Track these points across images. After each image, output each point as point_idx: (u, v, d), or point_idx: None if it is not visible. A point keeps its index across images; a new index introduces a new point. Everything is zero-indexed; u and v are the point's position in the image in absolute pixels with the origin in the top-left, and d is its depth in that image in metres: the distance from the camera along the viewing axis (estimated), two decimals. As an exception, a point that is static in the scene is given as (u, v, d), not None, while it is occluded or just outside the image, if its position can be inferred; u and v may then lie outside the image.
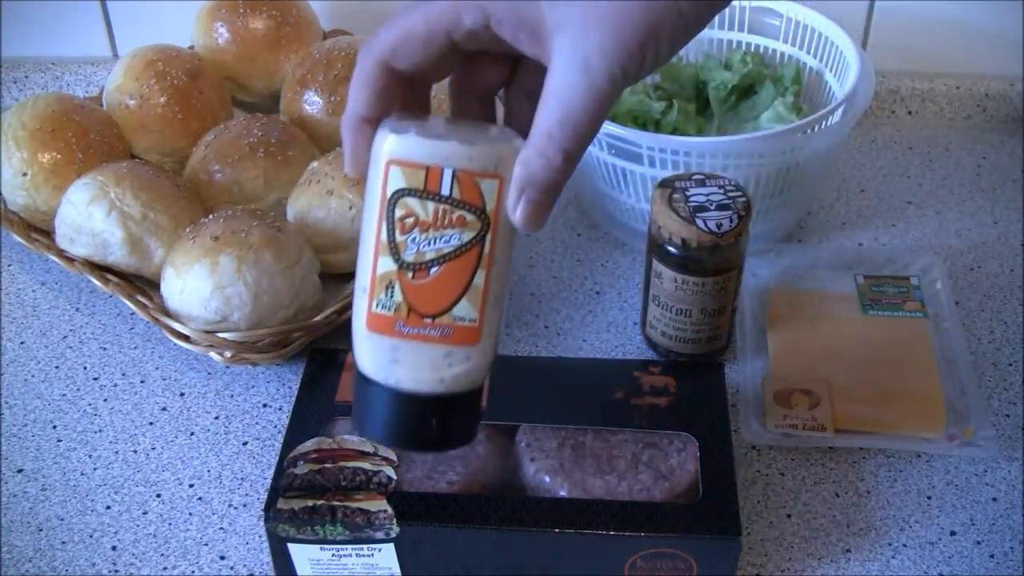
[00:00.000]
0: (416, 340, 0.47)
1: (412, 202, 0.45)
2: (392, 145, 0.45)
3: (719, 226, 0.66)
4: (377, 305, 0.46)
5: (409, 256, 0.46)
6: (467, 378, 0.48)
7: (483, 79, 0.50)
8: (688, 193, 0.68)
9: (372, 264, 0.46)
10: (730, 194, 0.68)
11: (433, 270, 0.46)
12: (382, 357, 0.47)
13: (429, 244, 0.46)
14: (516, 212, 0.45)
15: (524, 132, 0.45)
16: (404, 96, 0.48)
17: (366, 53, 0.46)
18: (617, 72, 0.42)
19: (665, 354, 0.74)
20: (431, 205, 0.45)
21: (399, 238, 0.46)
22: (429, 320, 0.46)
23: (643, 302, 0.74)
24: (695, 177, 0.69)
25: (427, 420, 0.48)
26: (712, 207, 0.67)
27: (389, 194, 0.45)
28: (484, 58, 0.48)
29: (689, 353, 0.72)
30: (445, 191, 0.45)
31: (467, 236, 0.46)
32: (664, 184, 0.69)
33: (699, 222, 0.66)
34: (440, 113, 0.51)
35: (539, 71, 0.45)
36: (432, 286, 0.46)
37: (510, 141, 0.46)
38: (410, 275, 0.46)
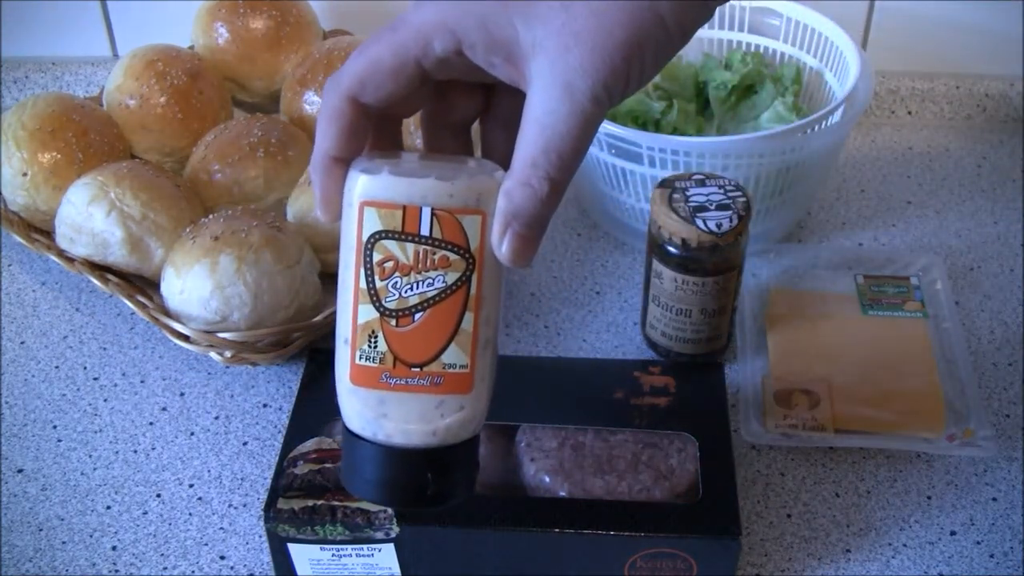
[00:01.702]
0: (404, 391, 0.44)
1: (390, 245, 0.43)
2: (365, 186, 0.43)
3: (719, 226, 0.66)
4: (361, 357, 0.44)
5: (391, 303, 0.43)
6: (461, 428, 0.45)
7: (456, 111, 0.47)
8: (688, 193, 0.68)
9: (352, 313, 0.44)
10: (730, 194, 0.68)
11: (418, 316, 0.43)
12: (369, 412, 0.45)
13: (411, 289, 0.43)
14: (502, 247, 0.42)
15: (503, 164, 0.43)
16: (375, 132, 0.45)
17: (333, 88, 0.43)
18: (601, 91, 0.40)
19: (665, 354, 0.74)
20: (411, 247, 0.43)
21: (379, 284, 0.43)
22: (417, 369, 0.44)
23: (643, 302, 0.74)
24: (695, 177, 0.69)
25: (421, 475, 0.45)
26: (712, 207, 0.67)
27: (365, 238, 0.43)
28: (457, 88, 0.46)
29: (689, 353, 0.72)
30: (425, 231, 0.42)
31: (452, 277, 0.43)
32: (664, 184, 0.69)
33: (699, 222, 0.66)
34: (413, 150, 0.49)
35: (516, 97, 0.42)
36: (418, 333, 0.43)
37: (491, 174, 0.43)
38: (393, 323, 0.43)
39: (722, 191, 0.68)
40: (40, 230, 0.82)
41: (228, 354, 0.72)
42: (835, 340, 0.74)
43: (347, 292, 0.44)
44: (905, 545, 0.63)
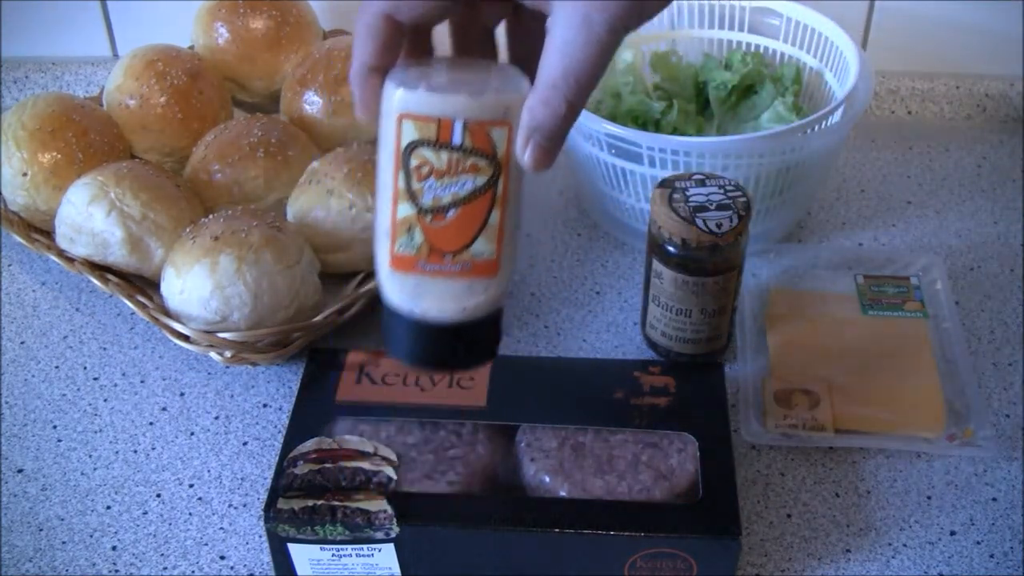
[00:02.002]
0: (438, 276, 0.50)
1: (427, 152, 0.48)
2: (403, 100, 0.47)
3: (719, 226, 0.66)
4: (399, 247, 0.49)
5: (427, 202, 0.48)
6: (487, 306, 0.51)
7: (484, 19, 0.51)
8: (688, 193, 0.68)
9: (391, 209, 0.49)
10: (730, 194, 0.68)
11: (450, 213, 0.49)
12: (407, 292, 0.50)
13: (445, 190, 0.48)
14: (525, 157, 0.47)
15: (525, 68, 0.49)
16: (408, 41, 0.49)
17: (368, 7, 0.47)
18: (617, 24, 0.45)
19: (665, 354, 0.74)
20: (445, 155, 0.48)
21: (416, 185, 0.48)
22: (449, 257, 0.50)
23: (643, 302, 0.74)
24: (695, 177, 0.69)
25: (453, 344, 0.52)
26: (712, 207, 0.67)
27: (403, 146, 0.48)
28: (481, 3, 0.50)
29: (689, 353, 0.72)
30: (457, 141, 0.47)
31: (480, 180, 0.48)
32: (664, 184, 0.69)
33: (699, 222, 0.66)
34: (442, 57, 0.52)
35: (538, 10, 0.47)
36: (450, 227, 0.49)
37: (517, 87, 0.48)
38: (429, 218, 0.49)
39: (722, 191, 0.68)
40: (40, 230, 0.82)
41: (228, 354, 0.72)
42: (835, 340, 0.74)
43: (387, 191, 0.49)
44: (905, 545, 0.63)
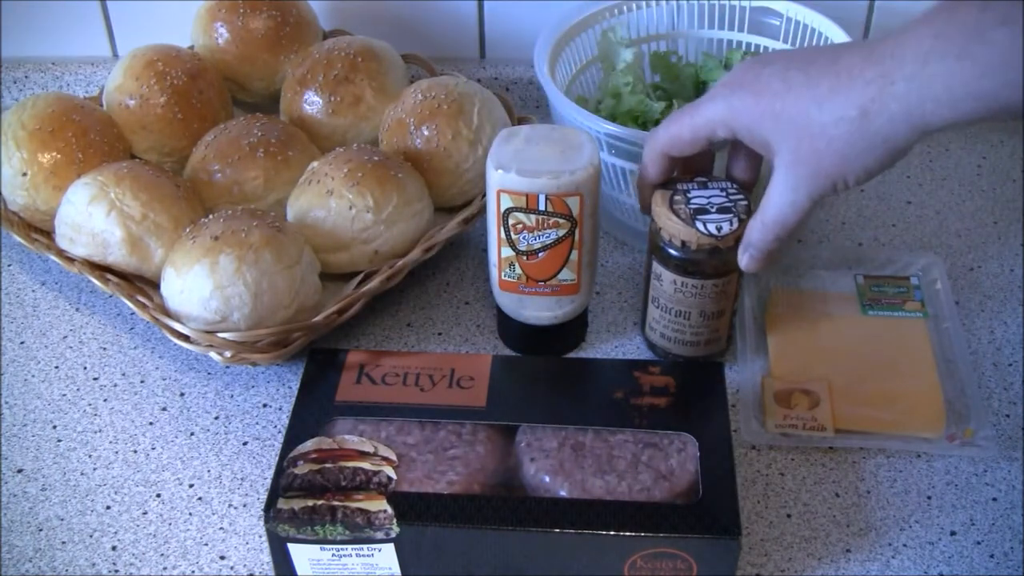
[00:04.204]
0: (535, 295, 0.71)
1: (520, 215, 0.66)
2: (500, 180, 0.65)
3: (719, 229, 0.66)
4: (504, 275, 0.70)
5: (522, 247, 0.68)
6: (572, 313, 0.73)
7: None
8: (689, 195, 0.68)
9: (497, 250, 0.69)
10: (732, 197, 0.68)
11: (540, 254, 0.68)
12: (513, 304, 0.72)
13: (536, 239, 0.67)
14: (743, 262, 0.65)
15: (736, 179, 0.69)
16: (683, 164, 0.69)
17: (651, 145, 0.66)
18: (816, 195, 0.59)
19: (664, 355, 0.74)
20: (533, 216, 0.66)
21: (513, 236, 0.67)
22: (542, 283, 0.70)
23: (643, 303, 0.74)
24: (697, 179, 0.69)
25: (549, 338, 0.75)
26: (713, 210, 0.67)
27: (503, 210, 0.66)
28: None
29: (688, 355, 0.72)
30: (542, 207, 0.66)
31: (562, 232, 0.67)
32: (666, 186, 0.69)
33: (699, 225, 0.66)
34: (533, 123, 0.77)
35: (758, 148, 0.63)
36: (542, 263, 0.69)
37: (591, 161, 0.65)
38: (525, 258, 0.68)
39: (724, 194, 0.68)
40: (40, 230, 0.82)
41: (228, 354, 0.72)
42: (835, 340, 0.74)
43: (493, 236, 0.68)
44: (905, 545, 0.63)
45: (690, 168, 0.69)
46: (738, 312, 0.75)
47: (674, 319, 0.71)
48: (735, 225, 0.66)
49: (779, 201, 0.61)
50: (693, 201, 0.68)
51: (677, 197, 0.68)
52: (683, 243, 0.67)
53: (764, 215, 0.62)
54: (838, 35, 0.83)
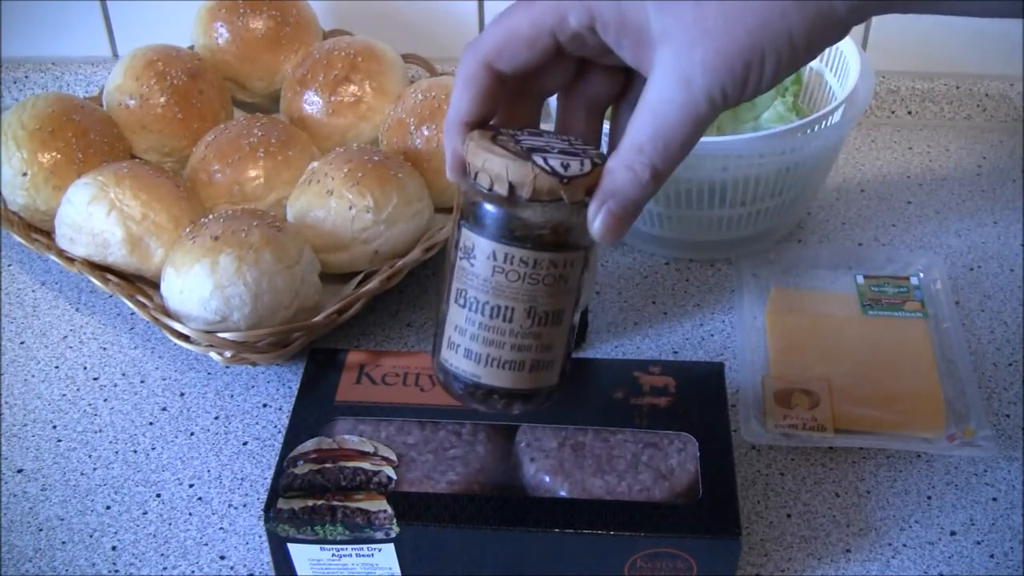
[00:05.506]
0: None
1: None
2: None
3: (565, 167, 0.45)
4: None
5: None
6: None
7: (592, 91, 0.49)
8: (519, 138, 0.48)
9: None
10: (577, 145, 0.49)
11: None
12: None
13: None
14: (595, 224, 0.45)
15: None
16: (511, 106, 0.48)
17: (470, 53, 0.46)
18: (717, 92, 0.41)
19: (465, 392, 0.51)
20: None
21: None
22: None
23: (437, 316, 0.51)
24: (527, 129, 0.50)
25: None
26: (554, 151, 0.47)
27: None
28: (595, 69, 0.47)
29: (505, 390, 0.50)
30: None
31: None
32: (484, 128, 0.49)
33: (537, 159, 0.46)
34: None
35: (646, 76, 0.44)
36: None
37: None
38: None
39: (565, 142, 0.48)
40: (40, 230, 0.82)
41: (228, 354, 0.72)
42: (835, 340, 0.74)
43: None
44: (905, 545, 0.63)
45: (514, 120, 0.49)
46: (738, 312, 0.74)
47: (488, 321, 0.48)
48: (586, 167, 0.46)
49: (663, 109, 0.42)
50: (525, 143, 0.47)
51: (502, 138, 0.47)
52: (511, 188, 0.45)
53: (634, 137, 0.43)
54: (838, 35, 0.83)
